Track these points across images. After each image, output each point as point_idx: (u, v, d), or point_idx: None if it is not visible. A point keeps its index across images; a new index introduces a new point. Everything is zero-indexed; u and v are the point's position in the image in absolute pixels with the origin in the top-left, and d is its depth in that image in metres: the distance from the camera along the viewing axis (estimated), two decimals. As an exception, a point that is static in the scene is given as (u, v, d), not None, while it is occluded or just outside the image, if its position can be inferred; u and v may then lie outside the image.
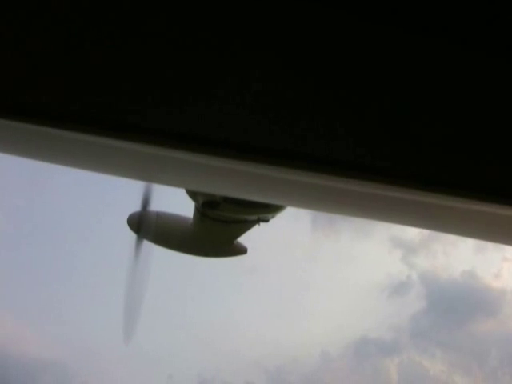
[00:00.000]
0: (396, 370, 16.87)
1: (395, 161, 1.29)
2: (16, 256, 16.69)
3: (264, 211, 6.33)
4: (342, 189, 1.35)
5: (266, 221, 6.57)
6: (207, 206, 6.31)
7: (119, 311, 6.95)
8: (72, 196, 16.14)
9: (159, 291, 15.42)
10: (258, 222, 6.60)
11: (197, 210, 6.68)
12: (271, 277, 16.47)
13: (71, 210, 17.03)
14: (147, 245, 7.09)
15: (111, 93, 1.21)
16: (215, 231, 6.82)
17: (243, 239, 7.05)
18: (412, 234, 16.82)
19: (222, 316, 16.56)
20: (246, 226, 6.78)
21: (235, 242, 7.12)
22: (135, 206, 7.17)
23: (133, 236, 7.13)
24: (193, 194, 6.20)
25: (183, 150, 1.24)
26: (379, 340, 16.95)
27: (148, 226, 6.97)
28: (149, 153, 1.28)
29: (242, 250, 7.23)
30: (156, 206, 7.10)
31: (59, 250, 17.22)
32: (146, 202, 6.98)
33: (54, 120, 1.21)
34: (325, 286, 16.95)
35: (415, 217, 1.56)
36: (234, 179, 1.44)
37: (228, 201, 6.15)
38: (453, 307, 16.83)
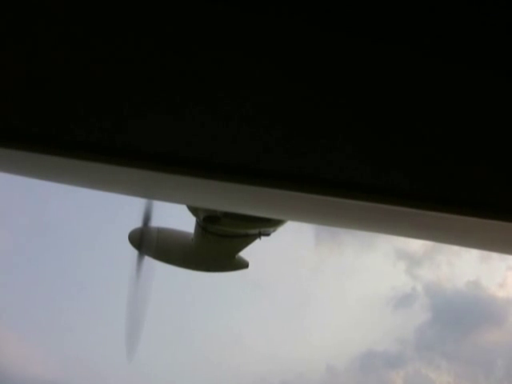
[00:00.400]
0: (402, 382, 16.75)
1: (395, 177, 1.30)
2: (18, 274, 16.67)
3: (265, 225, 6.33)
4: (342, 203, 1.36)
5: (268, 235, 6.57)
6: (208, 220, 6.31)
7: (122, 328, 6.94)
8: (73, 213, 16.13)
9: (162, 307, 15.39)
10: (259, 236, 6.59)
11: (198, 225, 6.68)
12: (275, 291, 16.41)
13: (73, 227, 17.01)
14: (149, 261, 7.09)
15: (111, 117, 1.24)
16: (216, 246, 6.81)
17: (248, 254, 7.05)
18: (416, 245, 16.75)
19: (227, 331, 16.48)
20: (247, 240, 6.77)
21: (237, 256, 7.12)
22: (136, 222, 7.19)
23: (134, 252, 7.14)
24: (194, 210, 6.20)
25: (183, 169, 1.26)
26: (385, 353, 16.84)
27: (149, 242, 6.97)
28: (150, 172, 1.30)
29: (243, 265, 7.22)
30: (157, 221, 7.12)
31: (61, 267, 17.18)
32: (147, 218, 6.98)
33: (57, 146, 1.23)
34: (329, 299, 16.91)
35: (417, 229, 1.57)
36: (234, 195, 1.45)
37: (229, 215, 6.15)
38: (458, 318, 16.72)
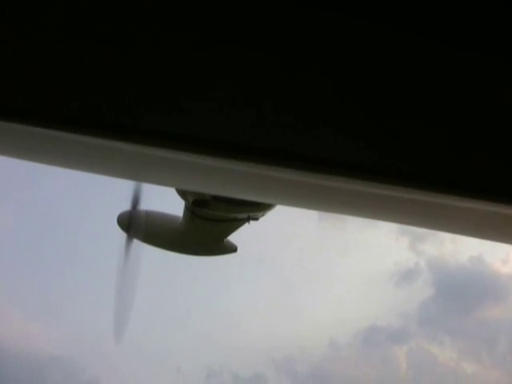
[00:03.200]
0: (405, 357, 16.86)
1: (387, 159, 1.29)
2: (9, 254, 16.65)
3: (254, 209, 6.34)
4: (332, 187, 1.35)
5: (256, 219, 6.58)
6: (197, 204, 6.31)
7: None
8: (61, 196, 16.08)
9: (164, 289, 15.41)
10: (247, 220, 6.61)
11: (186, 209, 6.69)
12: (278, 268, 16.42)
13: (60, 209, 16.97)
14: (137, 244, 7.09)
15: (100, 93, 1.22)
16: (205, 230, 6.82)
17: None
18: (418, 222, 16.70)
19: (229, 309, 16.50)
20: (236, 224, 6.79)
21: (225, 240, 7.13)
22: (125, 206, 7.18)
23: (123, 235, 7.13)
24: (182, 193, 6.20)
25: (172, 149, 1.25)
26: (388, 328, 16.90)
27: (138, 225, 6.97)
28: (138, 152, 1.28)
29: (231, 249, 7.24)
30: (146, 205, 7.11)
31: (50, 248, 17.17)
32: (135, 202, 6.98)
33: (42, 120, 1.21)
34: (332, 275, 16.87)
35: (411, 216, 1.56)
36: (223, 178, 1.44)
37: (218, 199, 6.15)
38: (461, 294, 16.71)
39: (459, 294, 16.84)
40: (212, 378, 16.57)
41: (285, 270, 16.54)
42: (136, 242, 7.08)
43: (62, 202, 16.31)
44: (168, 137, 1.23)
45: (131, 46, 1.25)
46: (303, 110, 1.28)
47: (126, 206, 7.13)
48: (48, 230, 17.17)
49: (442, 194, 1.31)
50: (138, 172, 1.62)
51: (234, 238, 7.21)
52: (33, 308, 16.64)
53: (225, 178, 1.44)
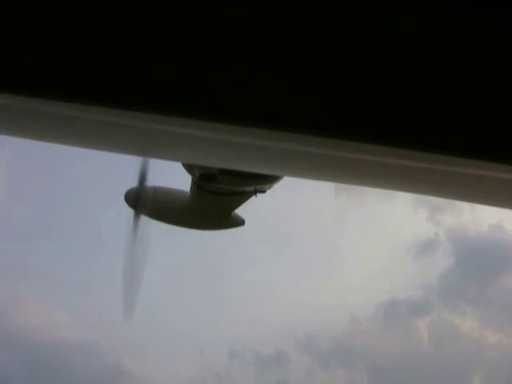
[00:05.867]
0: (426, 329, 16.96)
1: (402, 125, 1.26)
2: (18, 237, 16.73)
3: (261, 182, 6.33)
4: (343, 156, 1.33)
5: (263, 192, 6.58)
6: (204, 178, 6.31)
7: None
8: (68, 174, 16.11)
9: (180, 267, 15.48)
10: (254, 192, 6.60)
11: (194, 184, 6.68)
12: (297, 243, 16.43)
13: (68, 188, 17.02)
14: (145, 220, 7.11)
15: (104, 65, 1.20)
16: (212, 204, 6.83)
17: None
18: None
19: (248, 286, 16.59)
20: (243, 197, 6.79)
21: (233, 213, 7.13)
22: (132, 182, 7.18)
23: (131, 212, 7.14)
24: (189, 168, 6.19)
25: (178, 122, 1.23)
26: (408, 300, 16.98)
27: (145, 202, 6.98)
28: (144, 127, 1.27)
29: (239, 222, 7.25)
30: (153, 181, 7.11)
31: (58, 229, 17.25)
32: (142, 178, 6.98)
33: (46, 96, 1.19)
34: (351, 249, 16.91)
35: (429, 185, 1.52)
36: (229, 151, 1.43)
37: (224, 173, 6.14)
38: (482, 263, 16.66)
39: (480, 263, 16.78)
40: (234, 357, 16.75)
41: (303, 247, 16.59)
42: (144, 219, 7.10)
43: (68, 180, 16.36)
44: (173, 110, 1.21)
45: (132, 15, 1.22)
46: (311, 76, 1.25)
47: (132, 183, 7.15)
48: (53, 210, 17.26)
49: (460, 162, 1.29)
50: (144, 147, 1.61)
51: (245, 211, 7.22)
52: (49, 294, 16.81)
53: (231, 150, 1.43)
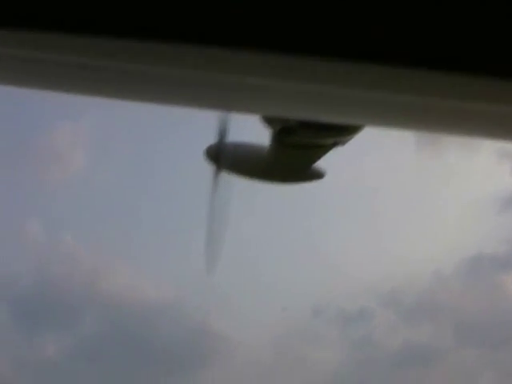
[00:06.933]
0: None
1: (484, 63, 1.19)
2: (95, 188, 17.22)
3: (340, 134, 6.28)
4: (423, 103, 1.29)
5: (343, 144, 6.53)
6: (283, 132, 6.31)
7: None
8: (147, 133, 16.40)
9: (261, 223, 15.63)
10: (334, 145, 6.57)
11: (273, 138, 6.70)
12: (378, 197, 16.33)
13: (147, 148, 17.34)
14: (225, 177, 7.20)
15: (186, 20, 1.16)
16: (292, 157, 6.85)
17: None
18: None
19: (330, 243, 16.64)
20: (323, 150, 6.77)
21: (312, 166, 7.13)
22: (212, 139, 7.26)
23: (211, 169, 7.24)
24: (268, 121, 6.21)
25: (257, 74, 1.22)
26: (493, 255, 16.67)
27: (225, 158, 7.05)
28: (222, 80, 1.27)
29: (319, 175, 7.25)
30: (232, 137, 7.16)
31: (140, 191, 17.66)
32: (222, 134, 7.03)
33: (132, 56, 1.18)
34: (434, 204, 16.65)
35: None
36: (310, 101, 1.42)
37: (304, 126, 6.13)
38: None
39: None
40: (318, 315, 16.90)
41: (384, 202, 16.41)
42: (224, 175, 7.18)
43: (147, 139, 16.66)
44: (250, 62, 1.19)
45: None
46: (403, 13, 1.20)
47: (212, 140, 7.22)
48: (134, 169, 17.65)
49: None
50: (225, 101, 1.61)
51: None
52: (134, 256, 17.29)
53: (311, 100, 1.41)
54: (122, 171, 18.03)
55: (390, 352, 17.03)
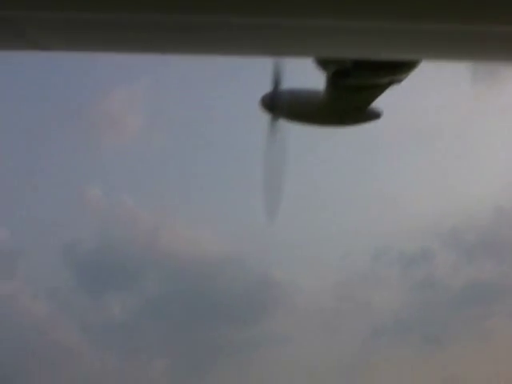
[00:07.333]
0: None
1: None
2: (152, 149, 17.22)
3: (395, 72, 6.22)
4: (479, 31, 1.27)
5: (399, 82, 6.47)
6: (338, 74, 6.30)
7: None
8: (200, 92, 16.31)
9: (318, 170, 15.44)
10: (390, 84, 6.52)
11: (328, 81, 6.69)
12: (435, 135, 16.07)
13: (203, 105, 17.27)
14: (282, 123, 7.23)
15: None
16: (348, 99, 6.82)
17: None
18: None
19: (389, 183, 16.42)
20: (379, 90, 6.72)
21: (369, 107, 7.10)
22: (267, 87, 7.29)
23: (267, 118, 7.28)
24: (322, 65, 6.20)
25: (308, 15, 1.22)
26: None
27: (281, 105, 7.08)
28: (275, 25, 1.27)
29: (376, 115, 7.22)
30: (286, 83, 7.18)
31: (196, 139, 17.56)
32: (276, 82, 7.06)
33: (180, 10, 1.20)
34: (492, 139, 16.33)
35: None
36: (363, 38, 1.40)
37: (357, 67, 6.10)
38: None
39: None
40: (379, 259, 16.79)
41: (442, 139, 16.06)
42: (281, 122, 7.23)
43: (202, 90, 16.54)
44: (301, 3, 1.20)
45: None
46: None
47: (267, 88, 7.25)
48: (191, 120, 17.55)
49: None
50: (276, 47, 1.59)
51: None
52: (194, 211, 17.35)
53: (365, 38, 1.40)
54: (178, 131, 18.13)
55: (452, 292, 16.96)
